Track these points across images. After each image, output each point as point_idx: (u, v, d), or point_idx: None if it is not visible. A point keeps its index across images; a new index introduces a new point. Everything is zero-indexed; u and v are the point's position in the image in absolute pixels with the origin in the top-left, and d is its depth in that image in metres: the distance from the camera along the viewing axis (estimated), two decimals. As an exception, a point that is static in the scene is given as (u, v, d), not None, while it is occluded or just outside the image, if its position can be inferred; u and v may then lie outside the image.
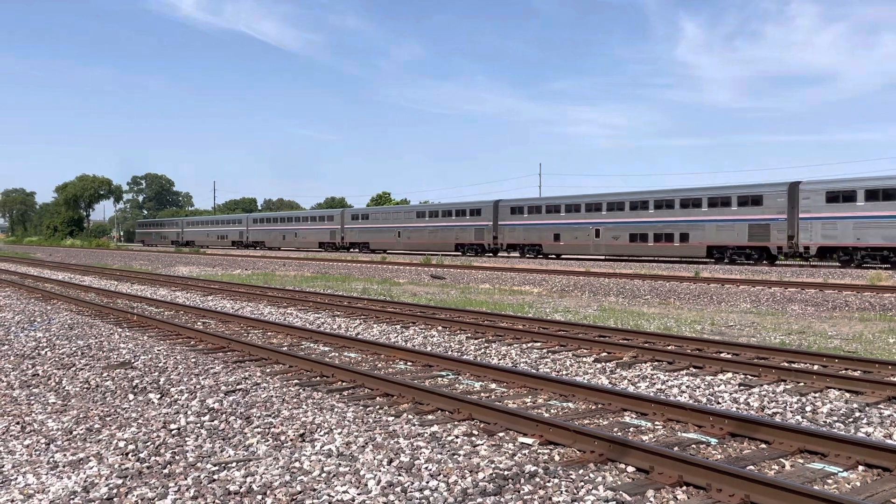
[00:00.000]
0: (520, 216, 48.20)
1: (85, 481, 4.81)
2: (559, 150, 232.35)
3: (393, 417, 6.49)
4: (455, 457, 5.30)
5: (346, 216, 65.14)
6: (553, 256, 46.20)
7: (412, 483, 4.73)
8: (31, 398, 7.38)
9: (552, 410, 6.83)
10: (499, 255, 50.69)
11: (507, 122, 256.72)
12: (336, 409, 6.73)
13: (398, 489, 4.63)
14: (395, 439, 5.76)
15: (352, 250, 62.77)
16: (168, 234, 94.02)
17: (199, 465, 5.16)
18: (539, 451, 5.51)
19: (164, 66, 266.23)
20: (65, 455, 5.42)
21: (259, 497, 4.51)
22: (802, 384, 7.85)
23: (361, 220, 63.40)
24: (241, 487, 4.67)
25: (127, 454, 5.41)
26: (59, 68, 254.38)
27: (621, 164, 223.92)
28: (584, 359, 9.56)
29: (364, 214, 63.87)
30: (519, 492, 4.58)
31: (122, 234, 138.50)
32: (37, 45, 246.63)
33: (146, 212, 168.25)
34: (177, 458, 5.31)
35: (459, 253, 52.63)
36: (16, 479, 4.90)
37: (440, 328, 12.52)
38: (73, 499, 4.50)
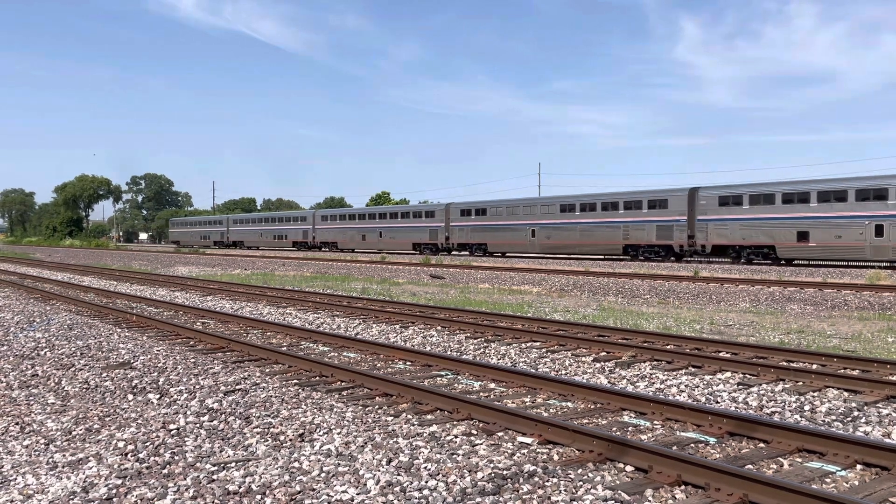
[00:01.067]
0: (735, 208, 35.62)
1: (84, 481, 4.82)
2: (560, 150, 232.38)
3: (392, 417, 6.50)
4: (454, 456, 5.31)
5: (453, 212, 52.89)
6: (784, 262, 34.64)
7: (411, 483, 4.74)
8: (31, 398, 7.38)
9: (551, 410, 6.83)
10: (685, 259, 38.57)
11: (507, 122, 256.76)
12: (335, 409, 6.73)
13: (397, 489, 4.63)
14: (395, 439, 5.77)
15: (460, 253, 52.12)
16: (211, 234, 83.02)
17: (198, 465, 5.17)
18: (538, 450, 5.52)
19: (164, 67, 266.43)
20: (64, 455, 5.43)
21: (258, 497, 4.52)
22: (801, 383, 7.86)
23: (476, 215, 51.05)
24: (240, 487, 4.68)
25: (126, 454, 5.41)
26: (58, 68, 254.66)
27: (622, 164, 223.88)
28: (584, 358, 9.57)
29: (480, 209, 50.97)
30: (518, 491, 4.59)
31: (121, 234, 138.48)
32: (36, 45, 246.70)
33: (146, 212, 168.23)
34: (176, 458, 5.32)
35: (628, 257, 40.65)
36: (15, 479, 4.91)
37: (439, 328, 12.53)
38: (72, 499, 4.51)
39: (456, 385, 8.04)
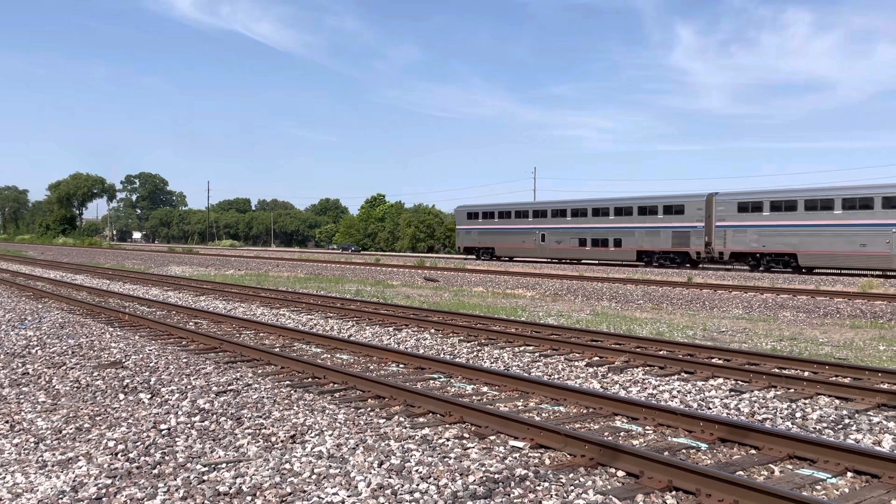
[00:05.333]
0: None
1: (74, 481, 4.79)
2: (556, 154, 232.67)
3: (384, 420, 6.49)
4: (445, 459, 5.30)
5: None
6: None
7: (402, 485, 4.73)
8: (21, 397, 7.34)
9: (543, 414, 6.83)
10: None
11: (503, 126, 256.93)
12: (327, 411, 6.72)
13: (388, 491, 4.62)
14: (386, 441, 5.76)
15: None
16: (622, 235, 41.04)
17: (188, 465, 5.14)
18: (530, 454, 5.52)
19: (160, 65, 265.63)
20: (54, 454, 5.40)
21: (249, 498, 4.50)
22: (793, 390, 7.88)
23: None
24: (230, 488, 4.66)
25: (116, 454, 5.39)
26: (54, 66, 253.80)
27: (618, 169, 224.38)
28: (577, 363, 9.57)
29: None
30: (509, 495, 4.58)
31: (114, 232, 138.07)
32: (32, 43, 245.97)
33: (139, 211, 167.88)
34: (167, 458, 5.30)
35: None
36: (4, 477, 4.88)
37: (433, 331, 12.52)
38: (61, 498, 4.48)
39: (449, 388, 8.03)
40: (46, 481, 4.80)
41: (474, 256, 50.39)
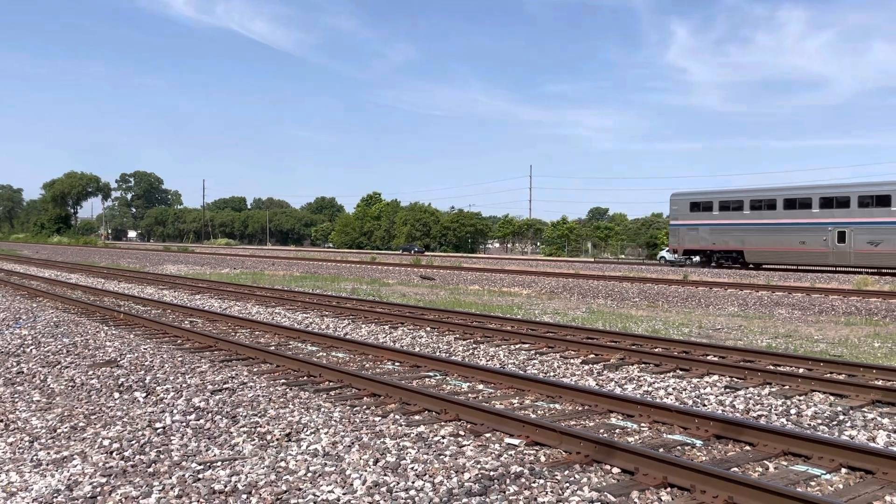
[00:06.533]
0: None
1: (68, 479, 4.78)
2: (554, 153, 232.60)
3: (380, 417, 6.48)
4: (441, 457, 5.30)
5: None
6: None
7: (398, 483, 4.73)
8: (16, 396, 7.32)
9: (539, 412, 6.84)
10: None
11: (501, 125, 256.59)
12: (323, 409, 6.71)
13: (384, 489, 4.62)
14: (382, 439, 5.76)
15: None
16: None
17: (184, 463, 5.14)
18: (525, 451, 5.52)
19: (155, 64, 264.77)
20: (48, 453, 5.38)
21: (244, 496, 4.49)
22: (788, 387, 7.90)
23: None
24: (225, 486, 4.65)
25: (111, 453, 5.38)
26: (49, 65, 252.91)
27: (616, 168, 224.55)
28: (572, 360, 9.58)
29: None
30: (504, 492, 4.59)
31: (109, 231, 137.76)
32: (27, 43, 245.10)
33: (134, 210, 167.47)
34: (162, 456, 5.29)
35: None
36: (-2, 477, 4.86)
37: (429, 329, 12.52)
38: (56, 497, 4.47)
39: (444, 386, 8.03)
40: (41, 480, 4.79)
41: (699, 261, 37.54)
